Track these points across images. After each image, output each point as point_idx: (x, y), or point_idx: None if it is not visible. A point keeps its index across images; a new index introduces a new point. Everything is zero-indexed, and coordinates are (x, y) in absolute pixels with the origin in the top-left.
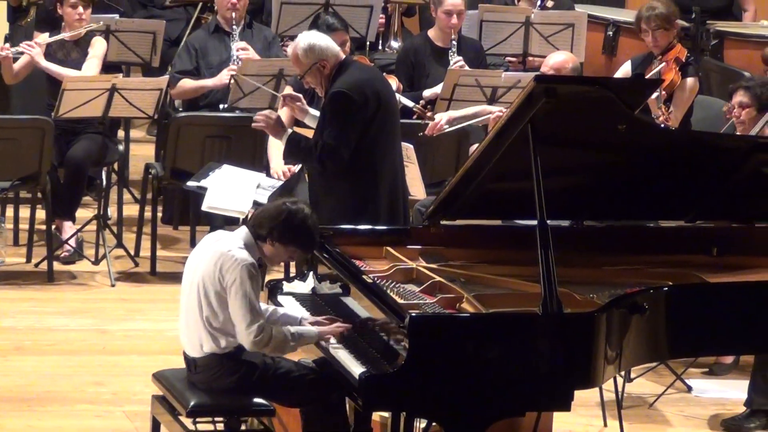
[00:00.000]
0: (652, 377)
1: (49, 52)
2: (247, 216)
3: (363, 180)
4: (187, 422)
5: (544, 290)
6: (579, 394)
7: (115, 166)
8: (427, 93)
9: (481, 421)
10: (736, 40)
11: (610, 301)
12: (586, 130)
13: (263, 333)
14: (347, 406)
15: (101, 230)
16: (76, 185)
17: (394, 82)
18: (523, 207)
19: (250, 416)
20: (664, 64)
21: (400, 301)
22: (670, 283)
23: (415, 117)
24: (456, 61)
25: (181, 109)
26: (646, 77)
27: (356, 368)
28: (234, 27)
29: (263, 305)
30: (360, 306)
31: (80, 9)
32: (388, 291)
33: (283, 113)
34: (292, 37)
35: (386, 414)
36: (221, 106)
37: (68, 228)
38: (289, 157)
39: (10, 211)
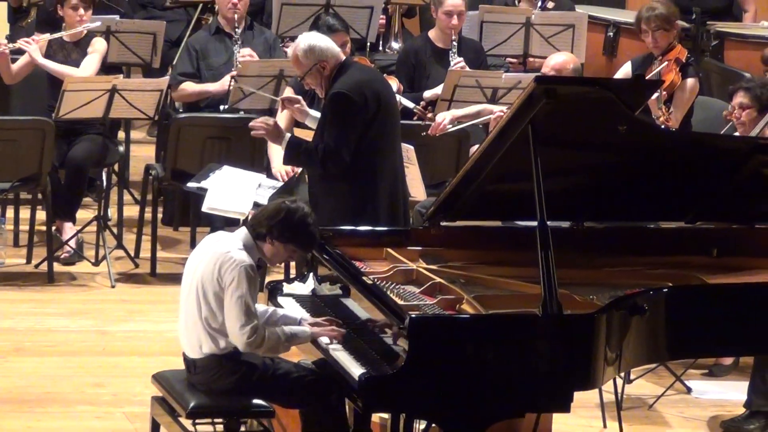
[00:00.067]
0: (651, 378)
1: (50, 54)
2: (247, 217)
3: (363, 181)
4: (187, 423)
5: (544, 291)
6: (578, 396)
7: (116, 167)
8: (428, 94)
9: (480, 422)
10: (737, 40)
11: (610, 302)
12: (587, 131)
13: (256, 334)
14: (347, 407)
15: (101, 231)
16: (77, 186)
17: (394, 83)
18: (523, 208)
19: (249, 417)
20: (664, 64)
21: (400, 302)
22: (670, 285)
23: (415, 118)
24: (456, 62)
25: (181, 110)
26: (647, 78)
27: (356, 369)
28: (237, 29)
29: (263, 306)
30: (360, 307)
31: (81, 10)
32: (388, 292)
33: (283, 116)
34: (293, 38)
35: (386, 415)
36: (222, 107)
37: (68, 229)
38: (289, 161)
39: (10, 212)
